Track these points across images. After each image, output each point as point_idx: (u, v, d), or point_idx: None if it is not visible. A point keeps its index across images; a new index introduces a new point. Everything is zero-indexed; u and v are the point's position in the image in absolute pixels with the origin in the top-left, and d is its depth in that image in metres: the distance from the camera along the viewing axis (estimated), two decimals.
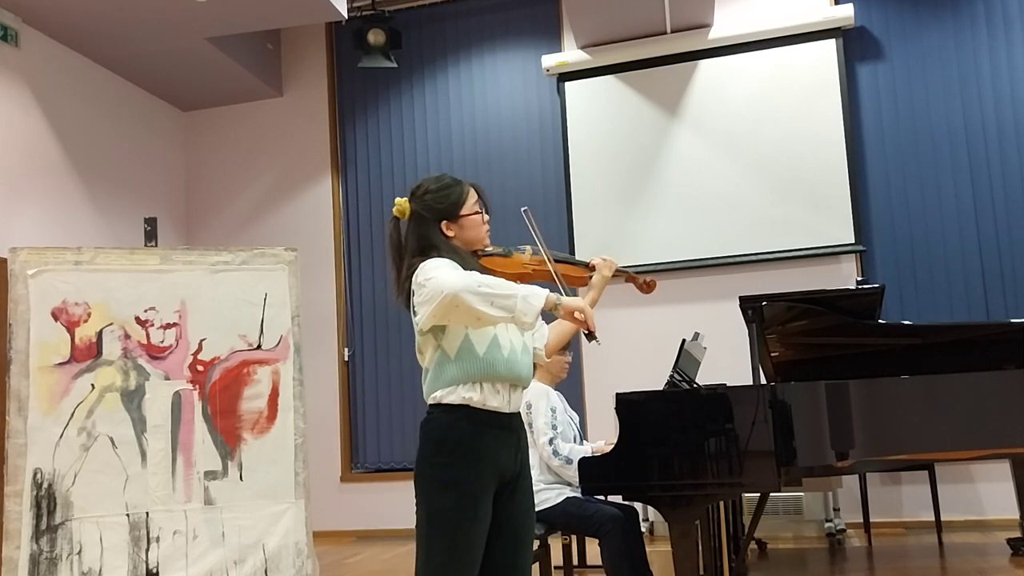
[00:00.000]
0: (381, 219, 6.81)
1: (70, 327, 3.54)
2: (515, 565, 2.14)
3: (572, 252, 6.11)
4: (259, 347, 3.78)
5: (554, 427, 3.82)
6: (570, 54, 6.38)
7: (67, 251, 3.60)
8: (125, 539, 3.47)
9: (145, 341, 3.64)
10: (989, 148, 5.73)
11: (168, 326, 3.68)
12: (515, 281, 2.15)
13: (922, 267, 5.78)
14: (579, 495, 3.63)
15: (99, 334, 3.58)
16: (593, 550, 4.32)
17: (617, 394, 3.25)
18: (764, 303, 3.62)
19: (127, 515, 3.50)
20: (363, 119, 6.99)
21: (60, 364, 3.51)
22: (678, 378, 3.54)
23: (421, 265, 2.09)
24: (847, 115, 5.88)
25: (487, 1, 6.77)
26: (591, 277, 2.40)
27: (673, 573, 3.19)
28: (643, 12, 5.89)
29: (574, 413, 4.14)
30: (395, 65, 6.46)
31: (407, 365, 6.61)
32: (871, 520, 5.26)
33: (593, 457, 3.35)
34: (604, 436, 4.93)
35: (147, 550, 3.50)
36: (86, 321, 3.56)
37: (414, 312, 2.11)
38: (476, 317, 1.98)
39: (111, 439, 3.52)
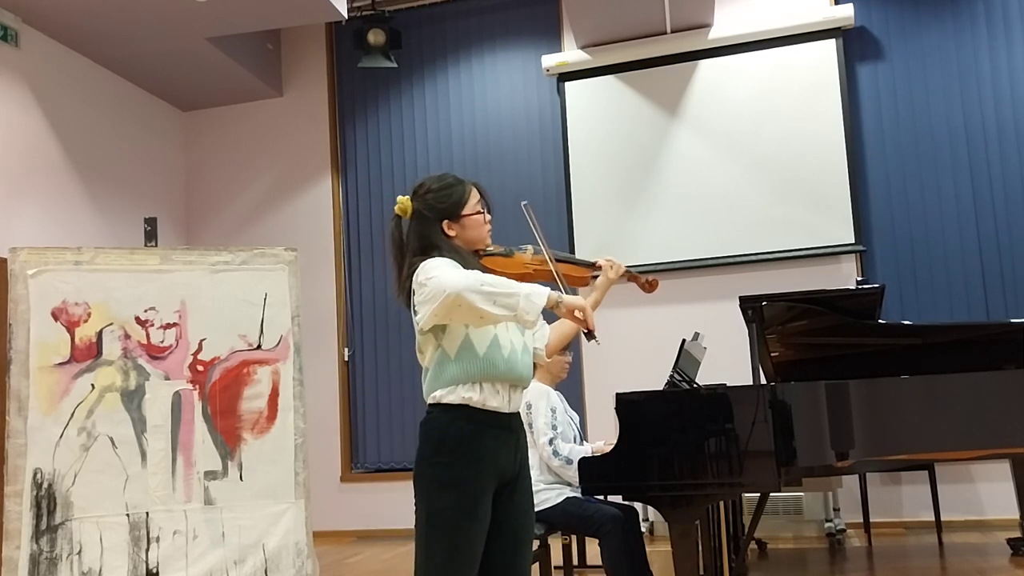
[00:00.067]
0: (381, 219, 6.81)
1: (70, 327, 3.54)
2: (515, 565, 2.14)
3: (572, 252, 6.11)
4: (259, 347, 3.78)
5: (554, 427, 3.82)
6: (570, 54, 6.38)
7: (67, 251, 3.60)
8: (125, 539, 3.48)
9: (145, 341, 3.64)
10: (989, 148, 5.73)
11: (168, 326, 3.68)
12: (516, 281, 2.15)
13: (922, 267, 5.78)
14: (579, 495, 3.63)
15: (99, 334, 3.58)
16: (593, 550, 4.32)
17: (617, 394, 3.25)
18: (764, 303, 3.62)
19: (127, 515, 3.50)
20: (363, 119, 6.99)
21: (60, 364, 3.51)
22: (678, 378, 3.54)
23: (422, 264, 2.09)
24: (847, 115, 5.88)
25: (487, 1, 6.77)
26: (594, 277, 2.39)
27: (673, 573, 3.19)
28: (643, 12, 5.89)
29: (574, 413, 4.14)
30: (395, 65, 6.46)
31: (407, 365, 6.61)
32: (871, 520, 5.26)
33: (593, 457, 3.35)
34: (604, 436, 4.94)
35: (147, 550, 3.50)
36: (86, 321, 3.56)
37: (414, 311, 2.11)
38: (479, 316, 1.98)
39: (111, 439, 3.52)
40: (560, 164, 6.42)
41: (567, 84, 6.40)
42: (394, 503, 6.36)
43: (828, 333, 3.87)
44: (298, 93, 7.13)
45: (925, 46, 5.90)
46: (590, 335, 2.04)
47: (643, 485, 3.18)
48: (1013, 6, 5.74)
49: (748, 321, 3.57)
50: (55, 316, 3.53)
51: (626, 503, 3.75)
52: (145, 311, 3.65)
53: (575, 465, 3.44)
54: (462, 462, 2.05)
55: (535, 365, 2.32)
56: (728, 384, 3.39)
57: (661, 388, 3.51)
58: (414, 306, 2.11)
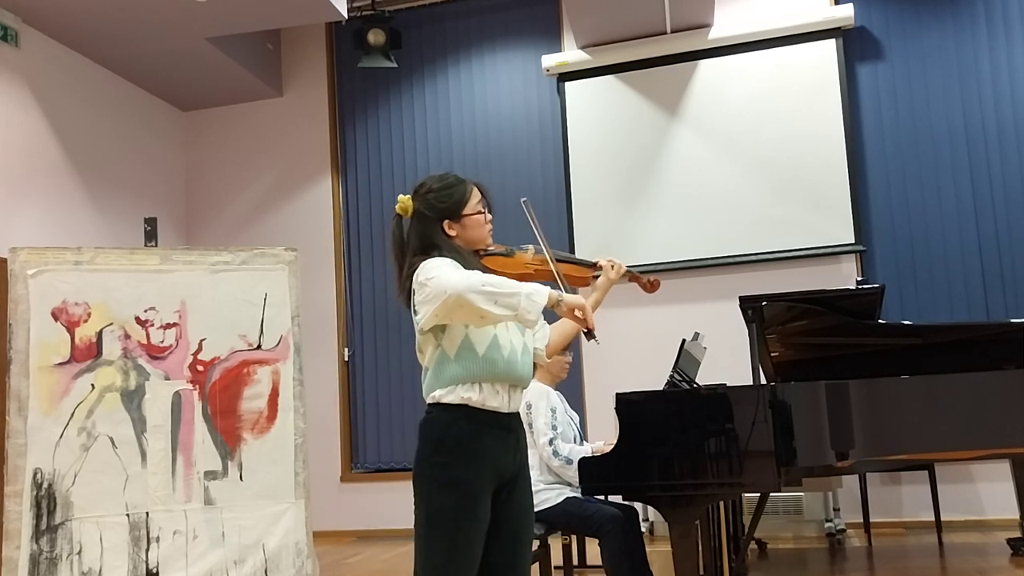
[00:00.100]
0: (381, 219, 6.81)
1: (70, 327, 3.54)
2: (514, 565, 2.14)
3: (572, 252, 6.11)
4: (259, 347, 3.78)
5: (554, 427, 3.82)
6: (570, 54, 6.38)
7: (67, 251, 3.60)
8: (125, 539, 3.48)
9: (145, 341, 3.64)
10: (989, 148, 5.73)
11: (168, 326, 3.68)
12: (517, 281, 2.15)
13: (922, 267, 5.78)
14: (579, 495, 3.63)
15: (99, 334, 3.58)
16: (593, 550, 4.32)
17: (617, 394, 3.25)
18: (764, 303, 3.62)
19: (127, 515, 3.50)
20: (363, 119, 6.99)
21: (60, 364, 3.51)
22: (678, 378, 3.54)
23: (422, 264, 2.09)
24: (847, 115, 5.88)
25: (487, 1, 6.77)
26: (595, 277, 2.38)
27: (673, 573, 3.19)
28: (643, 12, 5.89)
29: (574, 413, 4.14)
30: (395, 65, 6.46)
31: (407, 365, 6.61)
32: (871, 520, 5.26)
33: (593, 457, 3.35)
34: (604, 436, 4.94)
35: (147, 550, 3.50)
36: (86, 321, 3.56)
37: (415, 311, 2.11)
38: (480, 316, 1.98)
39: (111, 439, 3.52)
40: (560, 164, 6.42)
41: (567, 84, 6.40)
42: (394, 503, 6.36)
43: (828, 333, 3.87)
44: (298, 93, 7.13)
45: (925, 46, 5.90)
46: (590, 334, 2.03)
47: (643, 485, 3.18)
48: (1013, 6, 5.74)
49: (748, 321, 3.57)
50: (55, 316, 3.53)
51: (626, 503, 3.75)
52: (145, 311, 3.65)
53: (575, 465, 3.44)
54: (461, 462, 2.05)
55: (535, 365, 2.32)
56: (728, 384, 3.39)
57: (661, 388, 3.51)
58: (414, 306, 2.11)
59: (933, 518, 5.13)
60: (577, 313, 2.01)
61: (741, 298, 3.60)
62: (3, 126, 5.40)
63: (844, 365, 3.87)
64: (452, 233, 2.20)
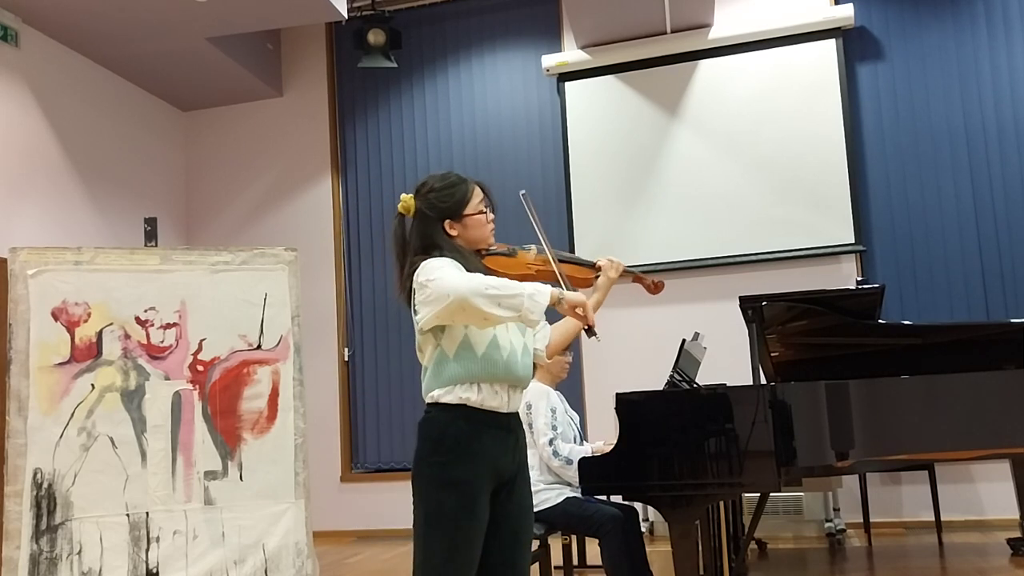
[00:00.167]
0: (381, 219, 6.81)
1: (70, 327, 3.55)
2: (514, 565, 2.14)
3: (572, 253, 6.11)
4: (259, 347, 3.78)
5: (554, 427, 3.82)
6: (570, 54, 6.38)
7: (67, 251, 3.60)
8: (125, 539, 3.48)
9: (145, 341, 3.64)
10: (989, 148, 5.73)
11: (168, 326, 3.68)
12: (518, 281, 2.15)
13: (922, 267, 5.78)
14: (579, 495, 3.63)
15: (99, 334, 3.58)
16: (593, 550, 4.32)
17: (617, 394, 3.25)
18: (764, 303, 3.62)
19: (127, 515, 3.50)
20: (363, 119, 6.99)
21: (60, 364, 3.51)
22: (678, 378, 3.54)
23: (423, 264, 2.09)
24: (847, 115, 5.88)
25: (487, 1, 6.77)
26: (597, 278, 2.38)
27: (673, 573, 3.19)
28: (643, 12, 5.89)
29: (574, 413, 4.14)
30: (395, 65, 6.46)
31: (407, 365, 6.61)
32: (871, 520, 5.26)
33: (593, 457, 3.35)
34: (604, 436, 4.94)
35: (147, 550, 3.50)
36: (86, 321, 3.56)
37: (415, 311, 2.11)
38: (483, 318, 1.98)
39: (111, 439, 3.52)
40: (560, 164, 6.42)
41: (567, 84, 6.40)
42: (394, 503, 6.36)
43: (828, 333, 3.87)
44: (298, 93, 7.13)
45: (925, 46, 5.90)
46: (590, 331, 2.03)
47: (643, 485, 3.18)
48: (1013, 6, 5.74)
49: (748, 321, 3.57)
50: (55, 316, 3.53)
51: (626, 503, 3.75)
52: (145, 311, 3.65)
53: (575, 465, 3.44)
54: (460, 462, 2.05)
55: (535, 365, 2.32)
56: (728, 384, 3.39)
57: (661, 388, 3.51)
58: (414, 305, 2.11)
59: (933, 518, 5.13)
60: (578, 311, 2.01)
61: (741, 298, 3.60)
62: (3, 126, 5.40)
63: (844, 365, 3.87)
64: (453, 233, 2.19)
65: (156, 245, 3.98)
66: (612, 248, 5.93)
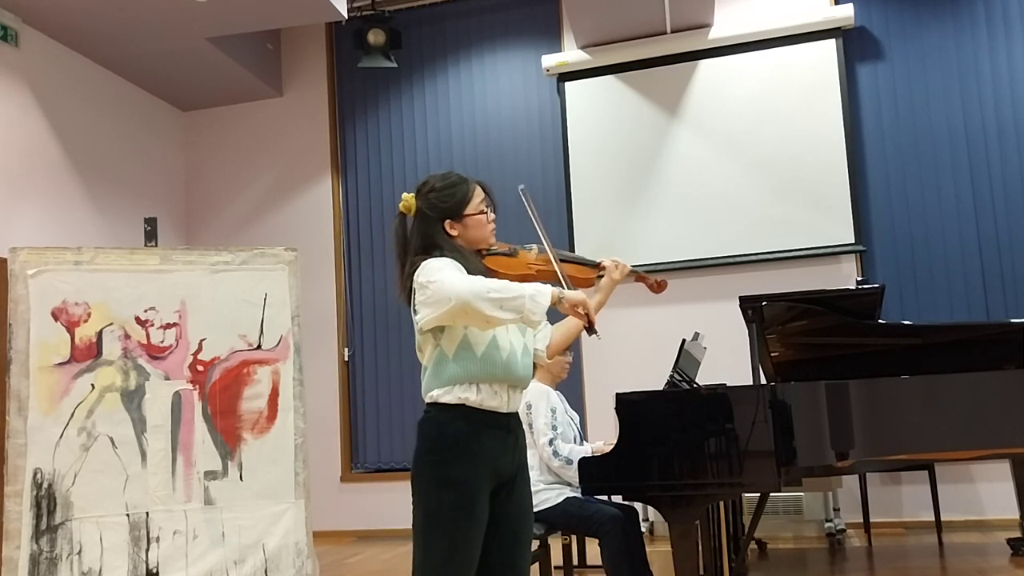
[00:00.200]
0: (381, 219, 6.82)
1: (70, 327, 3.54)
2: (514, 565, 2.14)
3: (572, 253, 6.10)
4: (259, 347, 3.78)
5: (554, 428, 3.82)
6: (570, 54, 6.38)
7: (67, 251, 3.60)
8: (125, 539, 3.48)
9: (145, 341, 3.64)
10: (989, 148, 5.73)
11: (168, 326, 3.68)
12: (519, 282, 2.14)
13: (922, 267, 5.78)
14: (579, 495, 3.63)
15: (99, 334, 3.58)
16: (593, 550, 4.32)
17: (617, 394, 3.25)
18: (764, 303, 3.62)
19: (127, 515, 3.50)
20: (363, 119, 6.99)
21: (60, 364, 3.51)
22: (678, 378, 3.53)
23: (423, 264, 2.08)
24: (847, 115, 5.88)
25: (487, 1, 6.77)
26: (599, 278, 2.36)
27: (673, 573, 3.19)
28: (643, 12, 5.89)
29: (574, 413, 4.14)
30: (395, 65, 6.46)
31: (407, 365, 6.61)
32: (871, 520, 5.26)
33: (593, 457, 3.35)
34: (604, 436, 4.94)
35: (147, 550, 3.50)
36: (86, 321, 3.56)
37: (414, 310, 2.11)
38: (485, 320, 1.98)
39: (111, 439, 3.52)
40: (560, 164, 6.42)
41: (567, 84, 6.40)
42: (394, 503, 6.36)
43: (828, 333, 3.87)
44: (298, 93, 7.13)
45: (925, 46, 5.90)
46: (591, 329, 2.02)
47: (643, 485, 3.18)
48: (1013, 6, 5.74)
49: (748, 321, 3.57)
50: (55, 316, 3.53)
51: (626, 503, 3.75)
52: (145, 311, 3.65)
53: (575, 465, 3.44)
54: (459, 461, 2.05)
55: (535, 365, 2.32)
56: (728, 384, 3.39)
57: (661, 388, 3.51)
58: (414, 305, 2.11)
59: (933, 518, 5.13)
60: (579, 309, 2.00)
61: (741, 298, 3.60)
62: (3, 126, 5.40)
63: (844, 365, 3.87)
64: (454, 233, 2.19)
65: (156, 245, 3.98)
66: (612, 248, 5.93)
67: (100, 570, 3.43)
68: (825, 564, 4.74)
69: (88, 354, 3.55)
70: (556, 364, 3.92)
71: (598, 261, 2.38)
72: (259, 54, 6.85)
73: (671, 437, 3.16)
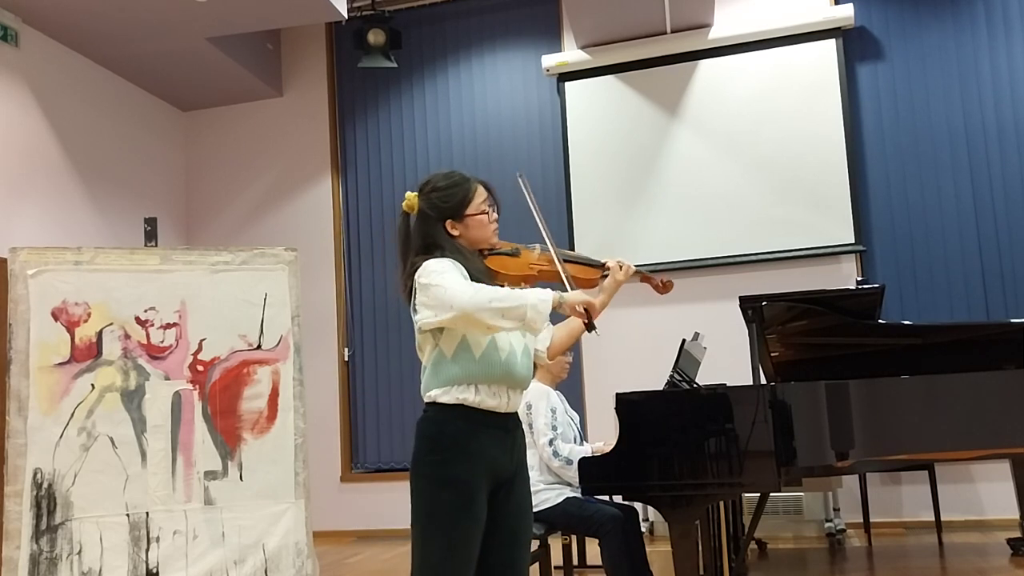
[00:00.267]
0: (381, 219, 6.82)
1: (70, 327, 3.54)
2: (513, 565, 2.14)
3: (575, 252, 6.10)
4: (259, 347, 3.78)
5: (554, 428, 3.82)
6: (570, 54, 6.38)
7: (67, 251, 3.60)
8: (125, 539, 3.47)
9: (145, 341, 3.64)
10: (989, 148, 5.73)
11: (168, 326, 3.68)
12: (521, 282, 2.14)
13: (922, 267, 5.78)
14: (579, 495, 3.63)
15: (99, 334, 3.58)
16: (593, 550, 4.32)
17: (617, 394, 3.25)
18: (764, 303, 3.62)
19: (127, 515, 3.50)
20: (363, 119, 6.99)
21: (60, 364, 3.51)
22: (678, 378, 3.53)
23: (423, 265, 2.08)
24: (847, 115, 5.88)
25: (487, 1, 6.76)
26: (603, 278, 2.33)
27: (673, 573, 3.19)
28: (643, 12, 5.89)
29: (574, 413, 4.14)
30: (395, 65, 6.46)
31: (407, 365, 6.61)
32: (871, 520, 5.26)
33: (593, 457, 3.35)
34: (604, 436, 4.93)
35: (147, 550, 3.50)
36: (86, 321, 3.56)
37: (414, 310, 2.11)
38: (488, 328, 1.99)
39: (111, 439, 3.52)
40: (560, 164, 6.42)
41: (567, 84, 6.40)
42: (394, 503, 6.35)
43: (828, 333, 3.87)
44: (298, 93, 7.13)
45: (925, 46, 5.90)
46: (590, 326, 2.00)
47: (643, 485, 3.18)
48: (1013, 6, 5.74)
49: (748, 321, 3.57)
50: (55, 316, 3.53)
51: (626, 503, 3.75)
52: (145, 311, 3.65)
53: (575, 465, 3.43)
54: (458, 460, 2.05)
55: (535, 365, 2.31)
56: (728, 384, 3.39)
57: (661, 388, 3.51)
58: (414, 305, 2.10)
59: (933, 518, 5.13)
60: (579, 308, 1.99)
61: (741, 298, 3.60)
62: (3, 126, 5.40)
63: (844, 365, 3.87)
64: (455, 233, 2.18)
65: (156, 245, 3.98)
66: (612, 248, 5.93)
67: (100, 570, 3.43)
68: (825, 564, 4.74)
69: (88, 354, 3.55)
70: (556, 364, 3.91)
71: (603, 261, 2.35)
72: (259, 54, 6.85)
73: (671, 437, 3.16)
